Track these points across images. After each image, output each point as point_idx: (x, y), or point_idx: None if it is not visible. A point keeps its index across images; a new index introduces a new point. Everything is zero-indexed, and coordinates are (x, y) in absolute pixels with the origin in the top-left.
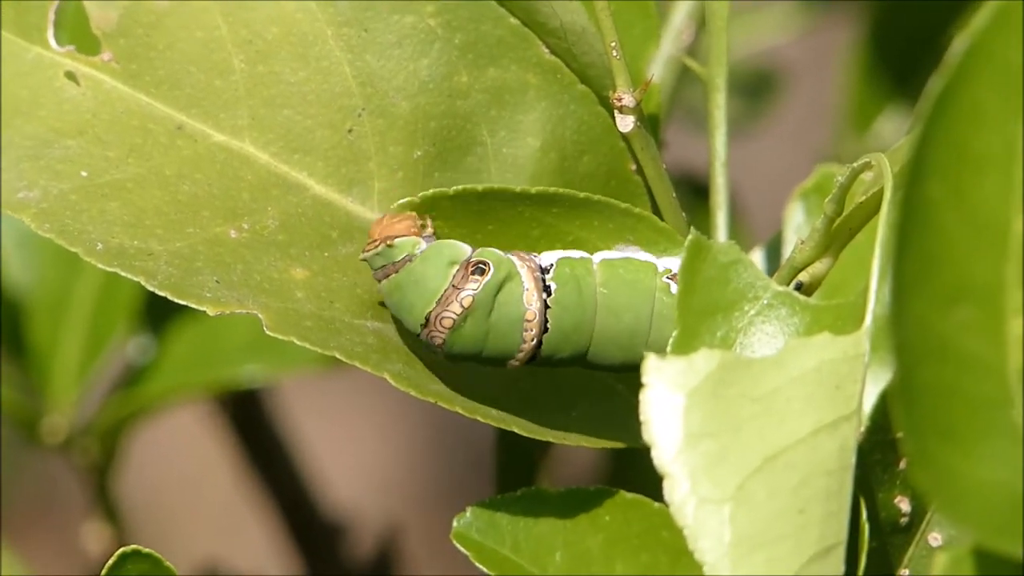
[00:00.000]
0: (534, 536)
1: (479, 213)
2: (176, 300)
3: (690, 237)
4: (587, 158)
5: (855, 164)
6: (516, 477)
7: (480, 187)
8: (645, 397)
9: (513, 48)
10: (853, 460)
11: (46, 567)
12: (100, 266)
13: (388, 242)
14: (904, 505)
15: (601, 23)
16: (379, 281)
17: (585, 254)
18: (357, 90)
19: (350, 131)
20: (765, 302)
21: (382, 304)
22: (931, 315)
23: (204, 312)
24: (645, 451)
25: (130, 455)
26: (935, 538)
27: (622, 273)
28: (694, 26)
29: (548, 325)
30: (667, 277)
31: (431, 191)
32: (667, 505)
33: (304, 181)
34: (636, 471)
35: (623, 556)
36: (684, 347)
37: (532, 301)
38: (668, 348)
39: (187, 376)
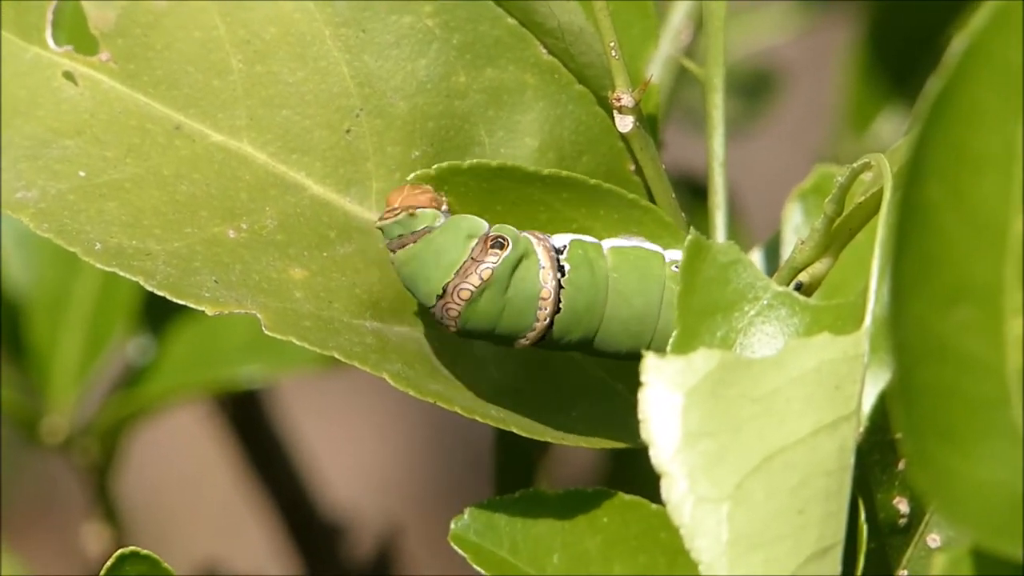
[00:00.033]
0: (532, 537)
1: (489, 192)
2: (175, 300)
3: (690, 237)
4: (586, 158)
5: (855, 164)
6: (515, 478)
7: (494, 163)
8: (643, 396)
9: (511, 48)
10: (852, 460)
11: (46, 567)
12: (99, 266)
13: (410, 211)
14: (903, 506)
15: (600, 23)
16: (393, 251)
17: (595, 240)
18: (355, 90)
19: (348, 131)
20: (765, 302)
21: (380, 304)
22: (930, 315)
23: (203, 312)
24: (644, 452)
25: (130, 455)
26: (934, 539)
27: (633, 259)
28: (692, 26)
29: (561, 305)
30: (676, 267)
31: (446, 164)
32: (665, 505)
33: (302, 181)
34: (635, 472)
35: (621, 557)
36: (684, 347)
37: (548, 279)
38: (668, 348)
39: (186, 376)
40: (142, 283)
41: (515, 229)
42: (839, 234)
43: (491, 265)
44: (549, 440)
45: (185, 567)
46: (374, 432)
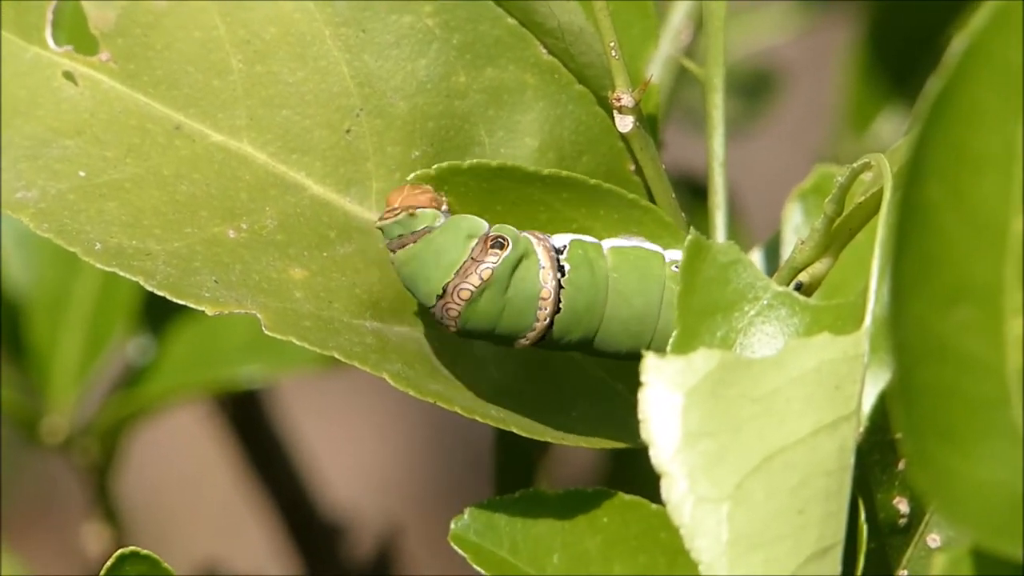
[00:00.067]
0: (532, 537)
1: (489, 192)
2: (175, 300)
3: (690, 237)
4: (586, 158)
5: (855, 164)
6: (515, 478)
7: (494, 163)
8: (643, 396)
9: (511, 48)
10: (852, 460)
11: (45, 567)
12: (99, 266)
13: (410, 211)
14: (903, 506)
15: (600, 23)
16: (393, 251)
17: (594, 239)
18: (355, 90)
19: (348, 131)
20: (765, 302)
21: (380, 304)
22: (930, 315)
23: (203, 312)
24: (644, 452)
25: (130, 455)
26: (934, 539)
27: (633, 260)
28: (692, 26)
29: (561, 305)
30: (676, 267)
31: (446, 163)
32: (665, 505)
33: (302, 181)
34: (635, 472)
35: (621, 558)
36: (684, 347)
37: (548, 280)
38: (668, 347)
39: (186, 376)
40: (142, 283)
41: (515, 229)
42: (839, 234)
43: (491, 265)
44: (549, 440)
45: (185, 567)
46: (374, 432)
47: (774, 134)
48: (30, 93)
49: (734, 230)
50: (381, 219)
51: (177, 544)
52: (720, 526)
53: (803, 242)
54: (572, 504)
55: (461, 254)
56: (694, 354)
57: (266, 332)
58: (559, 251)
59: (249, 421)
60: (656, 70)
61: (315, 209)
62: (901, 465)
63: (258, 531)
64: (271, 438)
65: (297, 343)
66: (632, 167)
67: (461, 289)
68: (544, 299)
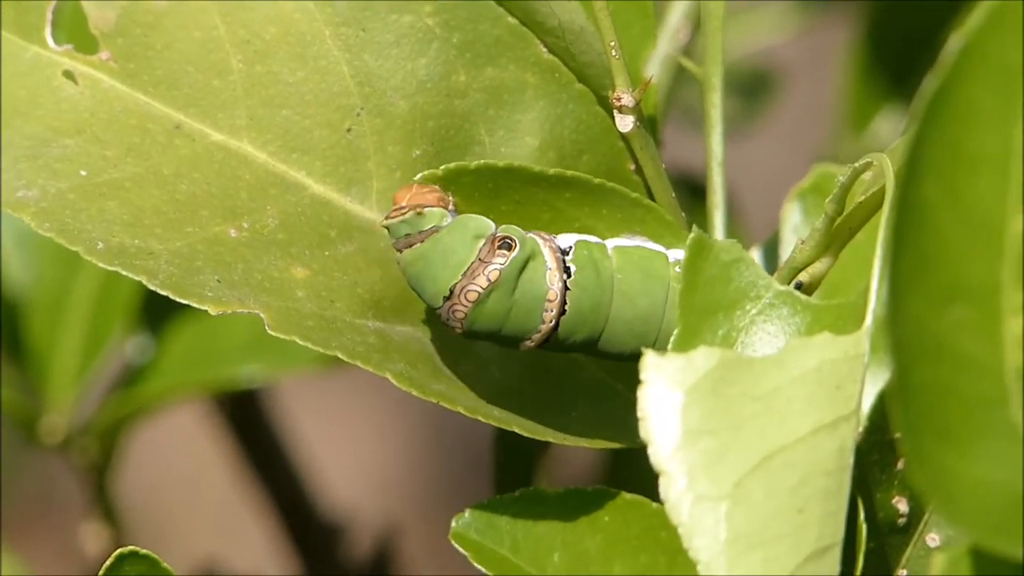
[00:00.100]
0: (533, 536)
1: (494, 192)
2: (178, 299)
3: (692, 235)
4: (586, 157)
5: (856, 164)
6: (515, 477)
7: (501, 163)
8: (643, 394)
9: (511, 47)
10: (851, 460)
11: (44, 567)
12: (101, 265)
13: (418, 210)
14: (902, 505)
15: (600, 23)
16: (399, 251)
17: (598, 239)
18: (355, 89)
19: (348, 130)
20: (767, 301)
21: (382, 303)
22: (927, 315)
23: (203, 312)
24: (644, 451)
25: (128, 455)
26: (933, 538)
27: (637, 260)
28: (690, 26)
29: (566, 307)
30: (679, 267)
31: (453, 164)
32: (664, 504)
33: (302, 180)
34: (635, 472)
35: (622, 557)
36: (685, 345)
37: (554, 281)
38: (669, 346)
39: (185, 376)
40: (145, 282)
41: (521, 230)
42: (839, 233)
43: (499, 266)
44: (550, 440)
45: (184, 567)
46: (373, 432)
47: (772, 134)
48: (30, 92)
49: (733, 229)
50: (387, 218)
51: (176, 543)
52: (719, 525)
53: (803, 241)
54: (573, 503)
55: (469, 255)
56: (695, 352)
57: (269, 332)
58: (564, 252)
59: (248, 421)
60: (655, 69)
61: (316, 208)
62: (900, 464)
63: (257, 531)
64: (270, 438)
65: (300, 343)
66: (632, 166)
67: (468, 291)
68: (551, 301)
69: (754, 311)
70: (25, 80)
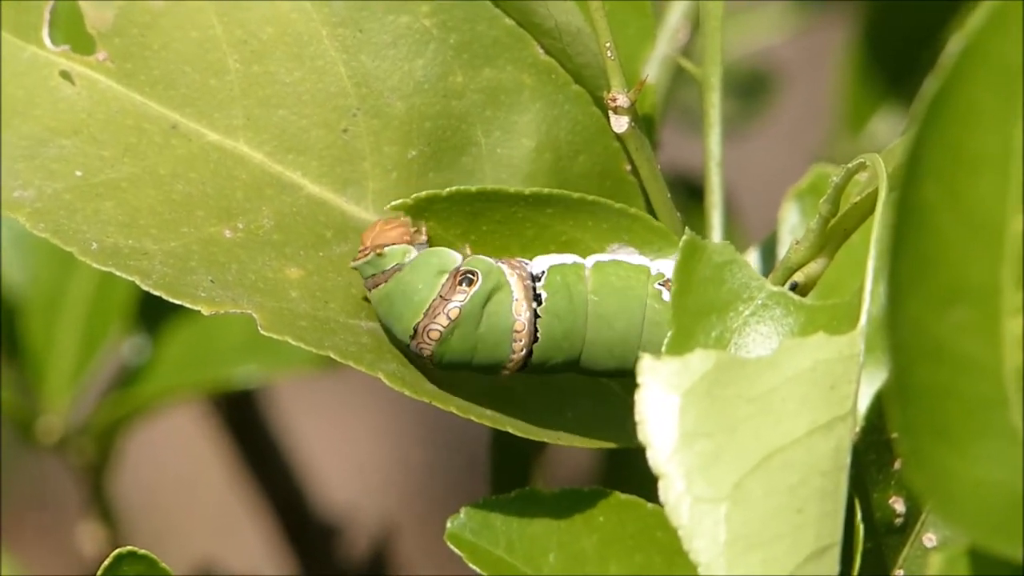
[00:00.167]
0: (528, 537)
1: (473, 214)
2: (171, 300)
3: (685, 237)
4: (582, 158)
5: (850, 164)
6: (510, 477)
7: (474, 188)
8: (640, 397)
9: (508, 48)
10: (848, 460)
11: (41, 567)
12: (95, 265)
13: (378, 251)
14: (899, 505)
15: (595, 23)
16: (369, 290)
17: (578, 258)
18: (352, 90)
19: (345, 131)
20: (760, 302)
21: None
22: (927, 316)
23: (199, 312)
24: (640, 452)
25: (125, 455)
26: (930, 539)
27: (613, 280)
28: (689, 26)
29: (538, 334)
30: (659, 283)
31: (424, 193)
32: (662, 505)
33: (298, 181)
34: (631, 472)
35: (617, 557)
36: (679, 347)
37: (521, 311)
38: (663, 348)
39: (182, 376)
40: (138, 283)
41: (489, 260)
42: (834, 234)
43: (458, 304)
44: (545, 440)
45: (181, 567)
46: (370, 432)
47: (771, 134)
48: (27, 93)
49: (730, 230)
50: (354, 260)
51: (172, 544)
52: (718, 526)
53: (798, 242)
54: (568, 503)
55: (430, 292)
56: (690, 355)
57: (262, 332)
58: (536, 278)
59: (245, 421)
60: (653, 70)
61: (311, 209)
62: (897, 465)
63: (253, 531)
64: (266, 438)
65: (293, 343)
66: (628, 167)
67: (431, 330)
68: (518, 331)
69: (747, 312)
70: (22, 80)
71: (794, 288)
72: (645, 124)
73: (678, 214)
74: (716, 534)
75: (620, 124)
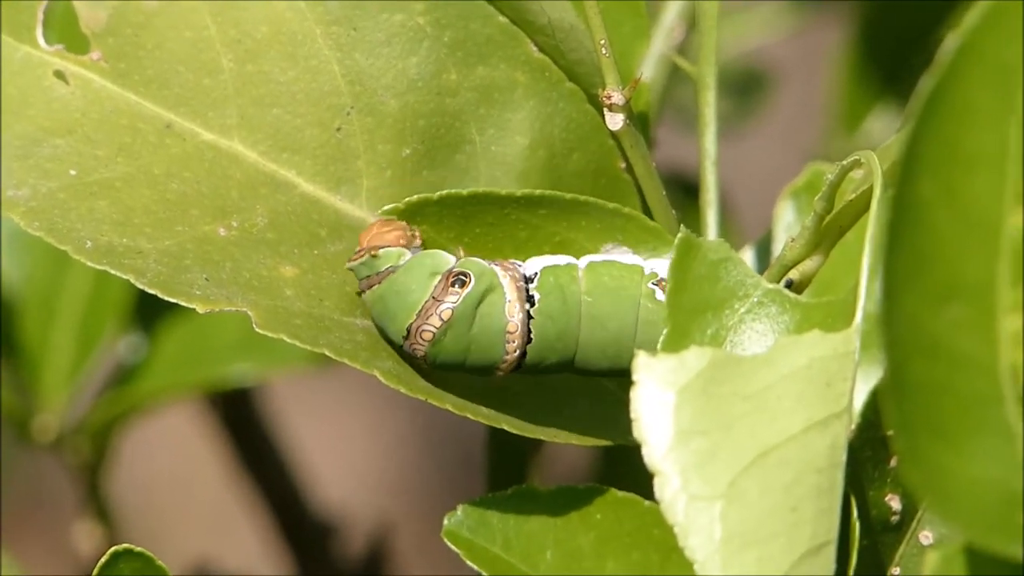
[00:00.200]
0: (525, 534)
1: (465, 217)
2: (165, 298)
3: (680, 235)
4: (576, 156)
5: (845, 162)
6: (507, 475)
7: (465, 191)
8: (635, 394)
9: (502, 46)
10: (844, 457)
11: (37, 566)
12: (90, 264)
13: (373, 252)
14: (895, 503)
15: (590, 21)
16: (363, 291)
17: (572, 259)
18: (346, 88)
19: (339, 129)
20: (755, 300)
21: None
22: (922, 313)
23: (194, 311)
24: (636, 449)
25: (121, 454)
26: (926, 536)
27: (607, 281)
28: (684, 25)
29: (532, 335)
30: (652, 283)
31: (416, 197)
32: (658, 503)
33: (292, 179)
34: (627, 469)
35: (614, 554)
36: (674, 345)
37: (514, 313)
38: (659, 346)
39: (178, 375)
40: (133, 281)
41: (482, 262)
42: (829, 231)
43: (451, 305)
44: (541, 438)
45: (176, 566)
46: (365, 430)
47: (766, 133)
48: (21, 92)
49: (726, 228)
50: (349, 261)
51: (168, 543)
52: (713, 524)
53: (793, 239)
54: (565, 501)
55: (423, 294)
56: (686, 352)
57: (257, 330)
58: (529, 280)
59: (240, 420)
60: (648, 68)
61: (305, 207)
62: (893, 462)
63: (249, 530)
64: (262, 437)
65: (288, 340)
66: (623, 165)
67: (423, 330)
68: (511, 332)
69: (743, 310)
70: (16, 80)
71: (789, 285)
72: (640, 122)
73: (673, 212)
74: (712, 531)
75: (615, 121)
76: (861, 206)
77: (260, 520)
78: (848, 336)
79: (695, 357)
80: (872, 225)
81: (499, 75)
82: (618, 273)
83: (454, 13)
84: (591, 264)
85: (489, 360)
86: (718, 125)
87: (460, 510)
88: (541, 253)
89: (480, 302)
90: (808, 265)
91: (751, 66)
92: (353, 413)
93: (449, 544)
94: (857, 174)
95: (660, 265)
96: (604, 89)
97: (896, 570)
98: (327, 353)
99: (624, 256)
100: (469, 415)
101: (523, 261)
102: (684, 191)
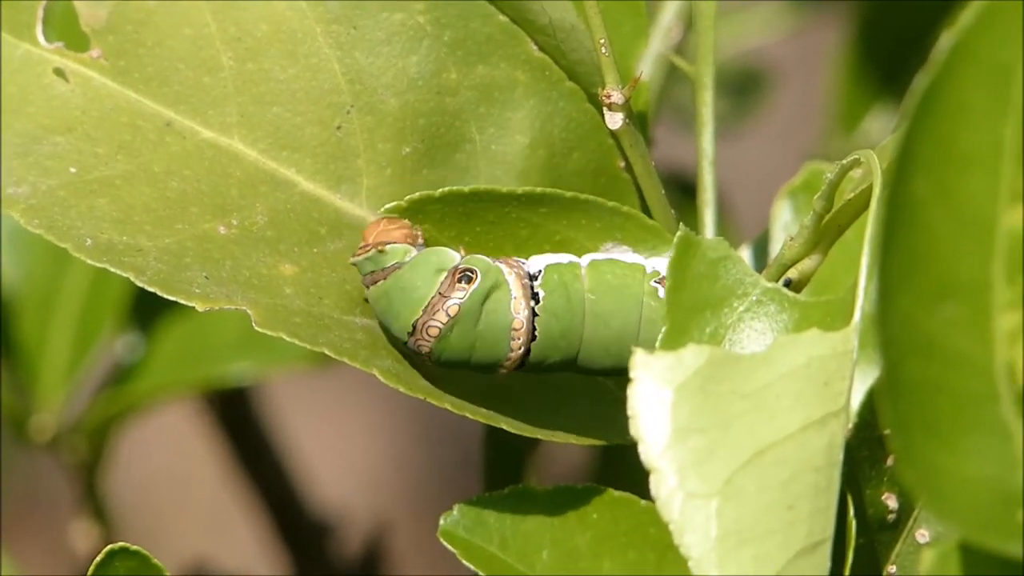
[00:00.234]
0: (522, 534)
1: (466, 215)
2: (165, 296)
3: (679, 233)
4: (576, 155)
5: (844, 161)
6: (504, 474)
7: (467, 189)
8: (633, 392)
9: (502, 45)
10: (841, 456)
11: (34, 565)
12: (89, 262)
13: (380, 248)
14: (891, 502)
15: (590, 20)
16: (367, 287)
17: (574, 258)
18: (346, 87)
19: (339, 128)
20: (754, 298)
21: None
22: (917, 312)
23: (193, 310)
24: (633, 449)
25: (118, 453)
26: (922, 535)
27: (610, 279)
28: (682, 25)
29: (536, 333)
30: (655, 281)
31: (417, 194)
32: (654, 502)
33: (292, 178)
34: (624, 469)
35: (611, 554)
36: (673, 343)
37: (520, 309)
38: (657, 344)
39: (175, 374)
40: (133, 279)
41: (487, 259)
42: (828, 230)
43: (458, 301)
44: (539, 437)
45: (173, 565)
46: (363, 430)
47: (764, 133)
48: (21, 90)
49: (723, 228)
50: (354, 256)
51: (165, 542)
52: (709, 522)
53: (792, 238)
54: (562, 500)
55: (429, 290)
56: (683, 350)
57: (256, 328)
58: (533, 277)
59: (238, 419)
60: (647, 68)
61: (305, 205)
62: (890, 461)
63: (247, 529)
64: (260, 436)
65: (287, 339)
66: (622, 164)
67: (430, 326)
68: (516, 329)
69: (742, 308)
70: (16, 78)
71: (788, 284)
72: (639, 121)
73: (672, 211)
74: (707, 529)
75: (615, 121)
76: (860, 205)
77: (257, 519)
78: (846, 335)
79: (693, 355)
80: (871, 224)
81: (499, 74)
82: (621, 271)
83: (454, 12)
84: (594, 262)
85: (494, 357)
86: (716, 125)
87: (456, 509)
88: (542, 251)
89: (486, 299)
90: (807, 264)
91: (749, 66)
92: (352, 412)
93: (445, 544)
94: (856, 173)
95: (661, 263)
96: (604, 88)
97: (892, 568)
98: (326, 352)
99: (625, 255)
100: (468, 414)
101: (525, 259)
102: (682, 191)
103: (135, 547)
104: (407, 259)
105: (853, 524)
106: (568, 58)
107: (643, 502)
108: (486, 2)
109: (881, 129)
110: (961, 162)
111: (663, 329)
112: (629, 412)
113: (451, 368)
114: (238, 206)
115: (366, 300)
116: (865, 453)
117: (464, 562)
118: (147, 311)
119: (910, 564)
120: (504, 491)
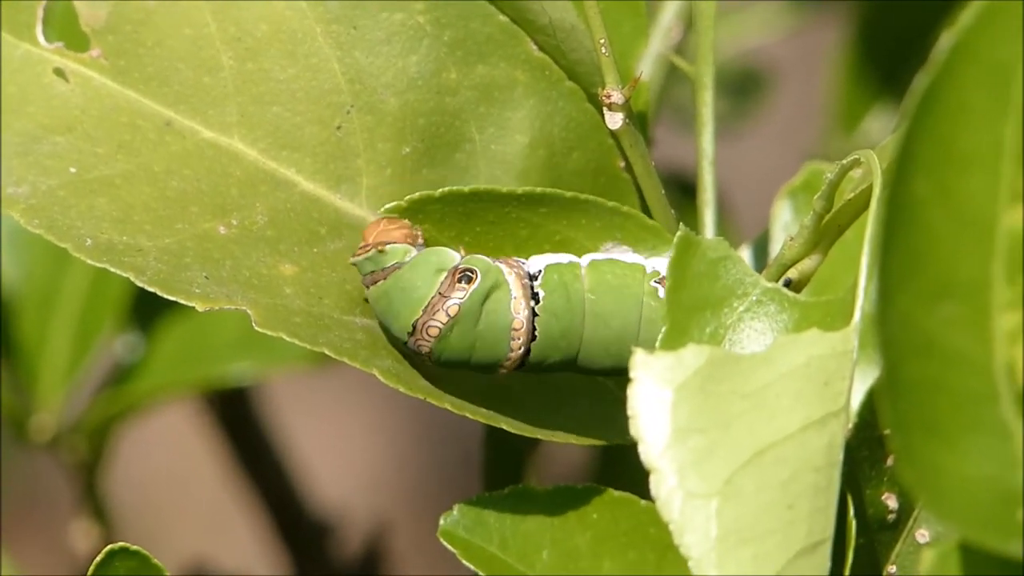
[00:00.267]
0: (521, 534)
1: (466, 215)
2: (165, 296)
3: (679, 233)
4: (576, 155)
5: (844, 161)
6: (504, 474)
7: (467, 189)
8: (633, 392)
9: (502, 45)
10: (841, 456)
11: (34, 565)
12: (89, 262)
13: (380, 248)
14: (891, 501)
15: (590, 20)
16: (367, 287)
17: (574, 258)
18: (346, 87)
19: (339, 128)
20: (754, 298)
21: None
22: (917, 311)
23: (193, 309)
24: (633, 449)
25: (118, 453)
26: (922, 535)
27: (610, 279)
28: (682, 25)
29: (536, 333)
30: (655, 281)
31: (418, 194)
32: (654, 502)
33: (292, 177)
34: (624, 469)
35: (611, 554)
36: (673, 343)
37: (520, 309)
38: (657, 344)
39: (175, 374)
40: (133, 279)
41: (487, 259)
42: (828, 230)
43: (458, 301)
44: (539, 437)
45: (173, 565)
46: (363, 430)
47: (764, 133)
48: (21, 90)
49: (723, 228)
50: (354, 256)
51: (165, 542)
52: (709, 522)
53: (792, 238)
54: (562, 500)
55: (429, 290)
56: (683, 350)
57: (256, 328)
58: (533, 277)
59: (238, 419)
60: (647, 68)
61: (305, 205)
62: (890, 461)
63: (246, 529)
64: (260, 436)
65: (287, 339)
66: (622, 164)
67: (430, 326)
68: (516, 329)
69: (741, 308)
70: (16, 77)
71: (788, 284)
72: (639, 121)
73: (672, 211)
74: (707, 529)
75: (615, 120)
76: (860, 205)
77: (257, 519)
78: (846, 335)
79: (693, 355)
80: (871, 224)
81: (499, 74)
82: (621, 271)
83: (454, 12)
84: (593, 262)
85: (494, 357)
86: (716, 125)
87: (456, 509)
88: (542, 251)
89: (486, 299)
90: (807, 264)
91: (749, 66)
92: (351, 412)
93: (445, 544)
94: (855, 173)
95: (661, 263)
96: (604, 88)
97: (892, 568)
98: (326, 352)
99: (625, 255)
100: (468, 414)
101: (525, 259)
102: (681, 191)
103: (135, 547)
104: (407, 259)
105: (853, 524)
106: (568, 58)
107: (643, 502)
108: (486, 2)
109: (881, 129)
110: (961, 162)
111: (663, 329)
112: (629, 412)
113: (451, 368)
114: (238, 206)
115: (366, 300)
116: (865, 453)
117: (464, 562)
118: (147, 311)
119: (910, 564)
120: (504, 491)
